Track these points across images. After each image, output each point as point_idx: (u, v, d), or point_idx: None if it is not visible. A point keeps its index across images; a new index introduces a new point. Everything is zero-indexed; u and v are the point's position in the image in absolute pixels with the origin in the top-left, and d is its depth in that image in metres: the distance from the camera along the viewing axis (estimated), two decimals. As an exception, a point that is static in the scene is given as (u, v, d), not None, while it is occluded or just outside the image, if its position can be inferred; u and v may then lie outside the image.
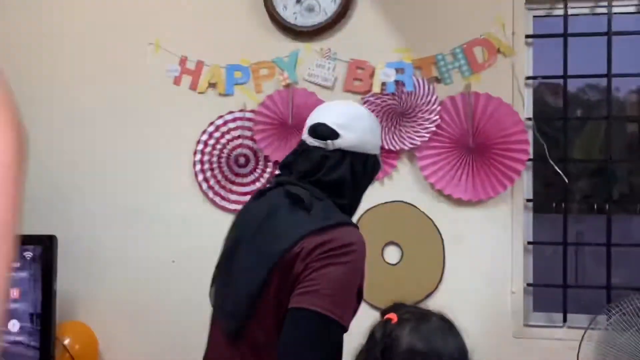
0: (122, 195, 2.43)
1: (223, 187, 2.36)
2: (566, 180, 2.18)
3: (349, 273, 1.13)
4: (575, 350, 2.00)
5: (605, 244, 2.18)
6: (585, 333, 1.79)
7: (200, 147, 2.37)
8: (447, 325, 1.05)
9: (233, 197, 2.35)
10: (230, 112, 2.36)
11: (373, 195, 2.23)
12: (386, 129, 2.23)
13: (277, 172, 1.37)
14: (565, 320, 2.19)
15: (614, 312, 1.75)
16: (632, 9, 2.21)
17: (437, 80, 2.23)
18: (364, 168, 1.27)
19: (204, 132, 2.37)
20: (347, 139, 1.26)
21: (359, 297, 1.21)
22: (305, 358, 1.07)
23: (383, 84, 2.25)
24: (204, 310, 2.33)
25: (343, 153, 1.26)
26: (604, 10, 2.19)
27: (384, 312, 1.09)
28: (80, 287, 2.42)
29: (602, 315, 1.94)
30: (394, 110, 2.23)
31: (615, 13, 2.18)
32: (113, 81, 2.45)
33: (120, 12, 2.46)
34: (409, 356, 0.98)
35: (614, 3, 2.17)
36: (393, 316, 1.03)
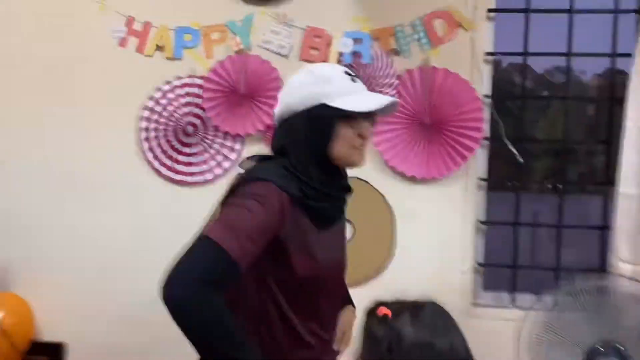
0: (62, 162, 2.29)
1: (169, 157, 2.25)
2: (520, 160, 2.15)
3: (245, 211, 1.16)
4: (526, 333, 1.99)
5: (555, 226, 2.18)
6: (527, 314, 1.78)
7: (146, 113, 2.24)
8: (442, 311, 1.05)
9: (179, 167, 2.25)
10: (179, 78, 2.24)
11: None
12: (341, 101, 2.15)
13: None
14: (513, 300, 2.19)
15: (557, 293, 1.74)
16: (595, -13, 2.17)
17: (396, 52, 2.16)
18: (302, 127, 1.25)
19: (150, 98, 2.24)
20: (277, 111, 1.30)
21: (282, 250, 1.21)
22: (179, 263, 1.12)
23: (340, 54, 2.16)
24: (147, 282, 2.25)
25: (282, 122, 1.30)
26: (567, -13, 2.14)
27: (370, 312, 1.09)
28: (16, 257, 2.30)
29: (548, 295, 1.93)
30: (350, 82, 2.15)
31: (577, -9, 2.14)
32: (54, 41, 2.29)
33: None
34: (419, 348, 0.97)
35: (577, -20, 2.12)
36: (388, 311, 1.02)
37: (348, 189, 1.33)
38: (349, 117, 1.24)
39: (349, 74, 1.28)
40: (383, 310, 1.04)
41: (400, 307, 1.03)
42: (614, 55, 2.14)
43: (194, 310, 1.09)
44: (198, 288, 1.10)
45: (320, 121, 1.25)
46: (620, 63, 2.15)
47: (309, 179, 1.24)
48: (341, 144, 1.25)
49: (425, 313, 1.02)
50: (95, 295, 2.28)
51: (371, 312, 1.09)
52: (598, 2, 2.20)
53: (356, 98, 1.25)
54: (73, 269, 2.29)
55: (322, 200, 1.27)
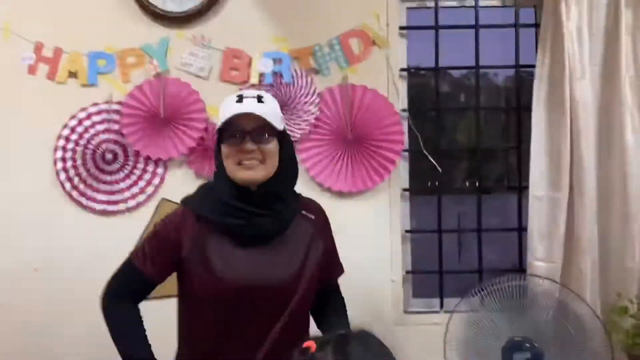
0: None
1: (89, 187, 2.17)
2: (439, 170, 2.25)
3: (153, 232, 1.44)
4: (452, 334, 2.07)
5: (476, 230, 2.29)
6: (451, 317, 1.86)
7: (62, 143, 2.16)
8: (372, 342, 0.99)
9: (101, 197, 2.18)
10: (95, 104, 2.18)
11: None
12: (264, 121, 2.17)
13: None
14: (442, 305, 2.28)
15: (478, 294, 1.83)
16: (496, 3, 2.30)
17: (315, 71, 2.20)
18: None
19: (65, 126, 2.17)
20: None
21: (185, 267, 1.38)
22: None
23: (261, 74, 2.18)
24: (70, 321, 2.16)
25: None
26: (472, 3, 2.26)
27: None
28: None
29: (471, 297, 2.01)
30: (272, 101, 2.17)
31: (481, 7, 2.26)
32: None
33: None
34: None
35: (480, -3, 2.25)
36: (311, 344, 0.96)
37: (256, 211, 1.34)
38: (226, 137, 1.33)
39: (239, 96, 1.35)
40: (306, 343, 0.97)
41: (326, 340, 0.97)
42: (517, 66, 2.28)
43: (105, 317, 1.40)
44: (109, 298, 1.42)
45: (215, 146, 1.38)
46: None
47: (221, 195, 1.34)
48: (226, 162, 1.35)
49: (352, 345, 0.95)
50: (18, 337, 2.16)
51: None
52: (501, 17, 2.34)
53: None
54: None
55: (234, 216, 1.33)
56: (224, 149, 1.34)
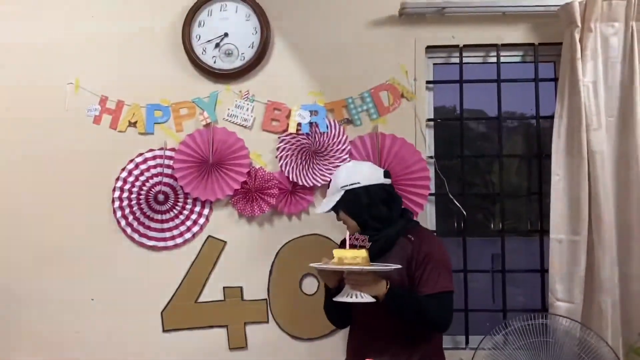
0: (39, 234, 2.41)
1: (142, 224, 2.39)
2: (464, 213, 2.38)
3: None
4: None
5: (500, 270, 2.40)
6: (475, 354, 1.96)
7: (120, 184, 2.40)
8: None
9: (152, 233, 2.39)
10: (151, 150, 2.42)
11: (292, 229, 2.35)
12: (300, 166, 2.37)
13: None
14: (467, 342, 2.37)
15: (500, 333, 1.92)
16: (517, 59, 2.48)
17: (348, 121, 2.40)
18: None
19: (123, 169, 2.41)
20: None
21: None
22: None
23: (298, 124, 2.39)
24: (125, 346, 2.35)
25: None
26: (494, 59, 2.45)
27: None
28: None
29: (495, 336, 2.11)
30: (308, 149, 2.37)
31: (503, 62, 2.44)
32: (31, 119, 2.44)
33: (39, 50, 2.47)
34: None
35: (502, 53, 2.43)
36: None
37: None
38: None
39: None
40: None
41: None
42: (538, 117, 2.43)
43: None
44: None
45: None
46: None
47: None
48: None
49: None
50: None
51: None
52: (522, 69, 2.51)
53: None
54: (54, 336, 2.37)
55: None
56: None
